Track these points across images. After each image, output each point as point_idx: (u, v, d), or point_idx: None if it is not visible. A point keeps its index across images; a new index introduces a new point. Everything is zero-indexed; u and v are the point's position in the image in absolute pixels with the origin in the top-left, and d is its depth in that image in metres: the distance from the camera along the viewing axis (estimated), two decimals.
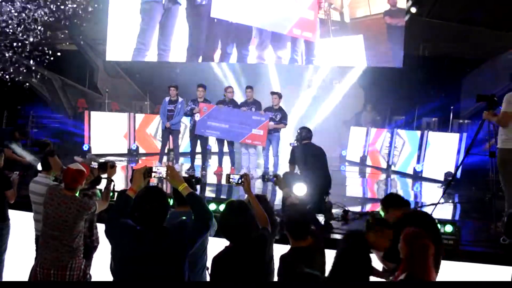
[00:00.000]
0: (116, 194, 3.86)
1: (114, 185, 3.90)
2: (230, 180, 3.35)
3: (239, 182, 3.29)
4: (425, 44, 11.20)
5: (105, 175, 3.94)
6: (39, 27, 11.12)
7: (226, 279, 2.68)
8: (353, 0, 10.46)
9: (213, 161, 9.18)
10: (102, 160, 4.51)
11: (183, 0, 11.00)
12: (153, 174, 2.85)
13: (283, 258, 2.87)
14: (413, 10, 10.37)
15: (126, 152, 10.38)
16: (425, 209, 5.84)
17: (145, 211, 2.52)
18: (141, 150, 10.56)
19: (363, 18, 10.41)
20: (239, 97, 9.15)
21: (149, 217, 2.52)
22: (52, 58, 11.58)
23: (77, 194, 3.63)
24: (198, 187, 3.81)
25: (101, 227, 3.73)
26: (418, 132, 9.05)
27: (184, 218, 2.65)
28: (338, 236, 4.56)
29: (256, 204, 3.10)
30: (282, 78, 11.57)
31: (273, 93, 8.00)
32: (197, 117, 7.89)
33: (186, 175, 5.75)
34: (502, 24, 10.27)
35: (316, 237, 3.06)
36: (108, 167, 3.89)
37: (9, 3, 10.85)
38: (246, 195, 3.22)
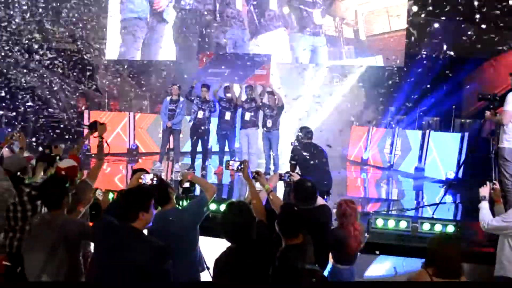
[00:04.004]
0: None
1: (106, 142, 3.79)
2: (230, 166, 3.33)
3: (239, 168, 3.28)
4: (427, 43, 11.13)
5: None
6: (39, 26, 11.06)
7: (229, 280, 2.66)
8: (370, 14, 9.24)
9: (213, 160, 9.15)
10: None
11: (171, 17, 10.02)
12: (139, 181, 2.93)
13: (279, 256, 2.84)
14: (415, 8, 10.28)
15: (125, 151, 10.34)
16: (426, 209, 5.85)
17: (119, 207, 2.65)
18: (141, 150, 10.53)
19: (382, 35, 9.18)
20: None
21: (119, 212, 2.62)
22: (51, 57, 11.53)
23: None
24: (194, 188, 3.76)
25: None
26: (420, 132, 9.02)
27: (168, 254, 2.58)
28: None
29: (255, 193, 3.08)
30: (282, 77, 11.52)
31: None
32: (200, 114, 7.85)
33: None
34: (504, 23, 10.22)
35: (306, 232, 3.02)
36: (97, 125, 3.80)
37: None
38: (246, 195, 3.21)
